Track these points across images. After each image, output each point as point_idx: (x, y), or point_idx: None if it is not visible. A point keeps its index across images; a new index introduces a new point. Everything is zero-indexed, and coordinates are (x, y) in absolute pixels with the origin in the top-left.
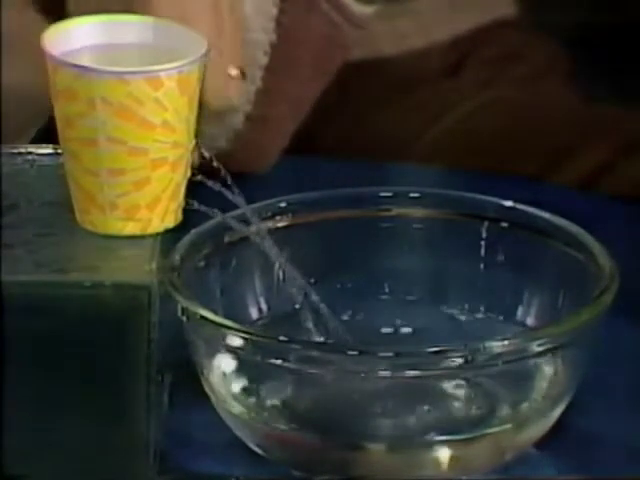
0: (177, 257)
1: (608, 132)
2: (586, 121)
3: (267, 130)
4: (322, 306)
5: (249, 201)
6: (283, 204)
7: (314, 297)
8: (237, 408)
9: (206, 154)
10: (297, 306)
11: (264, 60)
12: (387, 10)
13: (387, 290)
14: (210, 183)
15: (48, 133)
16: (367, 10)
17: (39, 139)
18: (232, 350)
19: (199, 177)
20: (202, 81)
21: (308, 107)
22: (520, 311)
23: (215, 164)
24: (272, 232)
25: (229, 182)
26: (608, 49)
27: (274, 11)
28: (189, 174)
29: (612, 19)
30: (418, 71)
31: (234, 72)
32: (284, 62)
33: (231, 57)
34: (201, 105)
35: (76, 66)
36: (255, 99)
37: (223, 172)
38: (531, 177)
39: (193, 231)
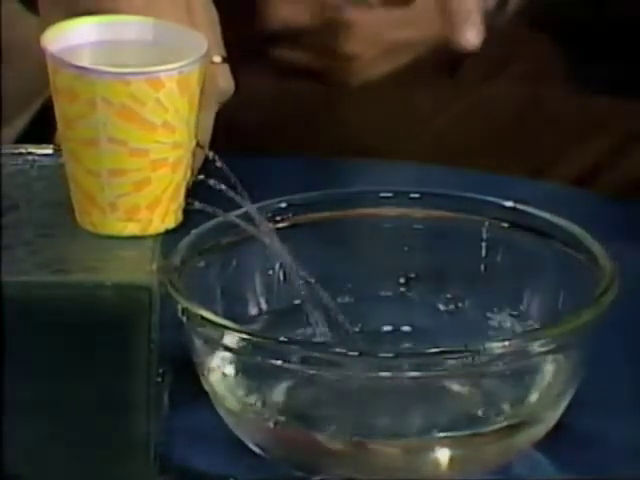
0: (177, 258)
1: (607, 130)
2: (585, 119)
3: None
4: (324, 305)
5: (249, 201)
6: (283, 204)
7: (319, 296)
8: (237, 408)
9: (209, 154)
10: (297, 302)
11: None
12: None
13: (387, 290)
14: (212, 182)
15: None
16: None
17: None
18: (232, 350)
19: (201, 177)
20: (203, 82)
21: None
22: (520, 311)
23: (218, 163)
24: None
25: (233, 181)
26: (607, 47)
27: None
28: (189, 175)
29: (611, 16)
30: (416, 69)
31: (218, 59)
32: None
33: (213, 48)
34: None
35: (76, 66)
36: None
37: (226, 171)
38: (530, 174)
39: (193, 232)
